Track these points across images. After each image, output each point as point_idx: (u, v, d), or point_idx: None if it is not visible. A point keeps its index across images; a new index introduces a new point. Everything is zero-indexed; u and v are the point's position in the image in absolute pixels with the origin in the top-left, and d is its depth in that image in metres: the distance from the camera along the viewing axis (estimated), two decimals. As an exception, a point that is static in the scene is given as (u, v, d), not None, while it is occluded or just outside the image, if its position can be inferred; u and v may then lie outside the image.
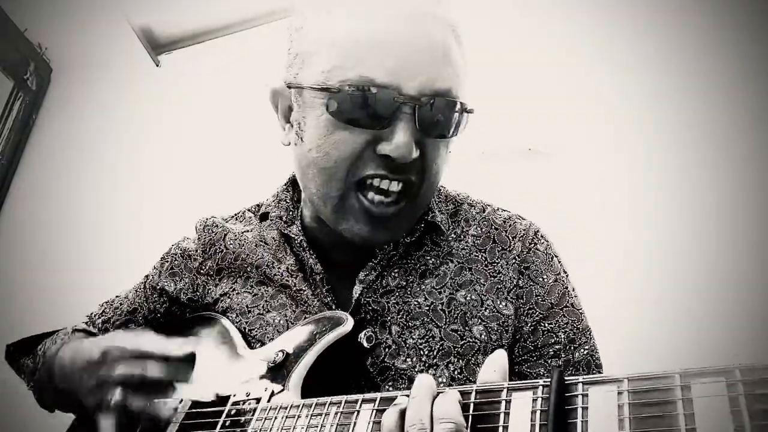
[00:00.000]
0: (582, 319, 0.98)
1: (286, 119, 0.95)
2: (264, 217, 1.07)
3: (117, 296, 1.18)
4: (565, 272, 1.02)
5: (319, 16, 0.88)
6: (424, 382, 0.63)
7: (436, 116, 0.85)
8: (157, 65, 2.60)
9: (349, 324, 0.85)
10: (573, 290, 1.01)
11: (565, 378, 0.55)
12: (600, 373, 0.95)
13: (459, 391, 0.61)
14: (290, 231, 1.01)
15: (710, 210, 2.61)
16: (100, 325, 1.13)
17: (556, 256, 1.03)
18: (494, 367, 0.64)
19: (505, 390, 0.58)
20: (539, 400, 0.55)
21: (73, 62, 2.45)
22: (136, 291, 1.15)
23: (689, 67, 2.48)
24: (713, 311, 2.38)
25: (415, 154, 0.84)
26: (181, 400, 0.89)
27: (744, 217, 2.52)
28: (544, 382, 0.56)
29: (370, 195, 0.87)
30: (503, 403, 0.57)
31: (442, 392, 0.62)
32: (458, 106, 0.87)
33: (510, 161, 3.04)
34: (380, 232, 0.89)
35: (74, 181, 2.44)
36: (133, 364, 0.88)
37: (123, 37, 2.45)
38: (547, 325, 0.95)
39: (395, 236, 0.93)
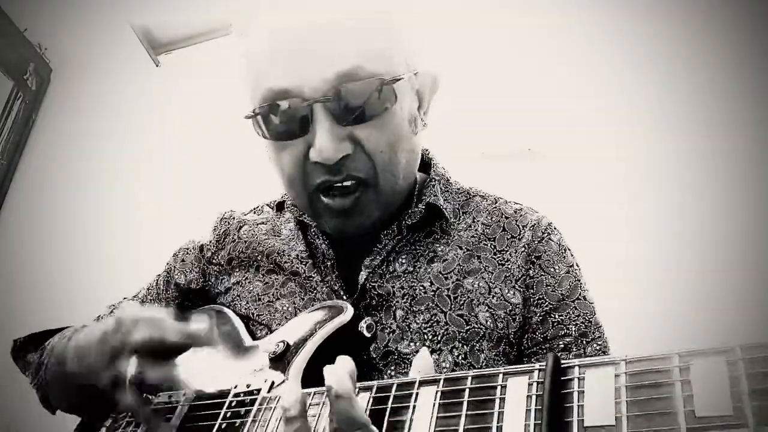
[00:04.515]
0: (594, 313, 0.95)
1: None
2: (281, 206, 1.09)
3: (125, 298, 1.18)
4: (577, 265, 1.00)
5: (238, 47, 0.92)
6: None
7: (349, 102, 0.83)
8: (157, 65, 2.60)
9: (348, 313, 0.85)
10: (585, 284, 0.98)
11: (562, 362, 0.55)
12: None
13: (454, 378, 0.61)
14: (305, 218, 1.02)
15: (710, 210, 2.61)
16: None
17: (569, 249, 1.01)
18: (419, 368, 0.65)
19: (501, 375, 0.58)
20: (535, 384, 0.55)
21: (73, 62, 2.45)
22: (149, 289, 1.15)
23: (689, 67, 2.49)
24: (712, 313, 2.38)
25: (345, 149, 0.85)
26: (185, 393, 0.89)
27: (744, 217, 2.52)
28: (540, 366, 0.56)
29: (331, 192, 0.89)
30: (499, 389, 0.57)
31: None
32: (372, 83, 0.83)
33: (510, 161, 3.04)
34: (349, 221, 0.91)
35: (74, 181, 2.44)
36: (152, 326, 0.83)
37: (123, 37, 2.46)
38: (557, 316, 0.93)
39: (368, 221, 0.92)
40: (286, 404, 0.63)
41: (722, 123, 2.56)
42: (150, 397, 0.91)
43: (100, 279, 2.33)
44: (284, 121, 0.85)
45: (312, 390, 0.73)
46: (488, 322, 0.91)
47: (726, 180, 2.60)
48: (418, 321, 0.91)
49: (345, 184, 0.87)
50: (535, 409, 0.53)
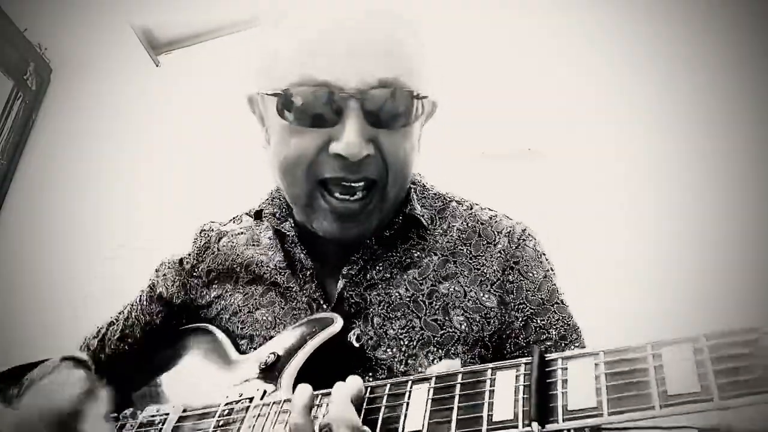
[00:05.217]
0: (571, 316, 0.99)
1: (261, 123, 1.00)
2: (258, 214, 1.10)
3: (111, 317, 1.19)
4: (552, 270, 1.03)
5: (269, 29, 0.92)
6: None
7: (383, 107, 0.86)
8: (157, 65, 2.60)
9: (338, 325, 0.87)
10: (560, 287, 1.02)
11: (546, 356, 0.59)
12: None
13: (445, 375, 0.65)
14: (283, 227, 1.03)
15: (710, 210, 2.61)
16: (94, 345, 1.15)
17: (544, 254, 1.04)
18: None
19: (490, 370, 0.62)
20: (522, 376, 0.59)
21: (73, 62, 2.46)
22: (132, 305, 1.16)
23: (689, 67, 2.48)
24: (712, 313, 2.38)
25: (368, 150, 0.86)
26: (173, 406, 0.90)
27: (744, 217, 2.52)
28: (527, 360, 0.60)
29: (336, 193, 0.90)
30: (488, 381, 0.61)
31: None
32: (406, 94, 0.87)
33: (510, 161, 3.04)
34: (350, 228, 0.92)
35: (74, 181, 2.44)
36: None
37: (123, 37, 2.46)
38: (539, 321, 0.96)
39: (366, 230, 0.95)
40: (296, 404, 0.67)
41: (722, 123, 2.55)
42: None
43: (100, 278, 2.33)
44: (315, 109, 0.86)
45: (318, 392, 0.74)
46: (463, 326, 0.93)
47: (726, 180, 2.60)
48: (394, 327, 0.92)
49: (355, 185, 0.89)
50: (523, 398, 0.57)
